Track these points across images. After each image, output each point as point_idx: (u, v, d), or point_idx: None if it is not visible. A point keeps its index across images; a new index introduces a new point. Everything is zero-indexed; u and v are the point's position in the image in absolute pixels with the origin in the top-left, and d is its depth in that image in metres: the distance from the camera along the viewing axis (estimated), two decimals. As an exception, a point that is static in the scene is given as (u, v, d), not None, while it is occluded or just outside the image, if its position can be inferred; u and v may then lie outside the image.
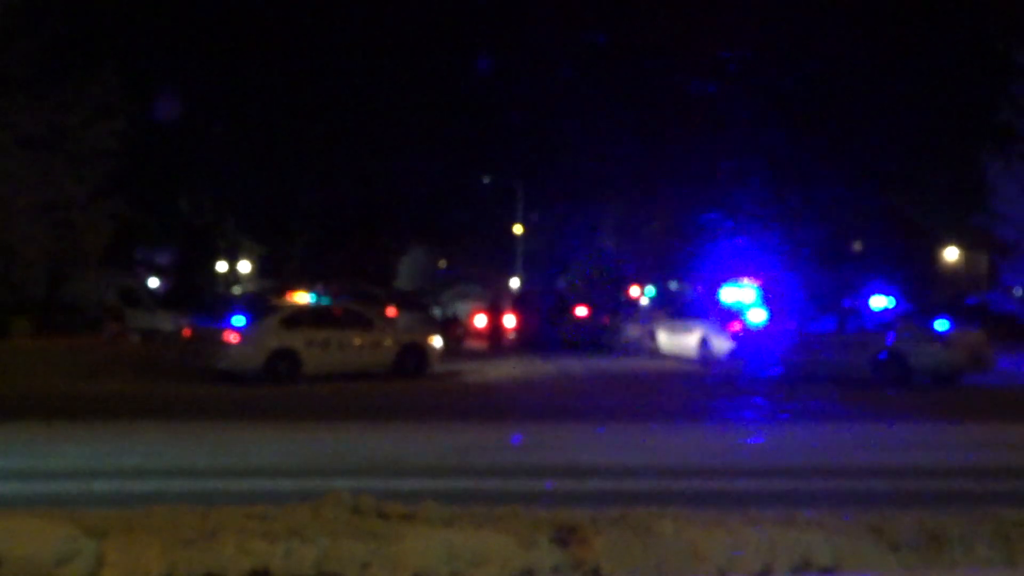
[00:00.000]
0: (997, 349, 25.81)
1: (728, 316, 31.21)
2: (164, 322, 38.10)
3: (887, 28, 48.04)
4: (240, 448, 14.31)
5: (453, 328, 38.09)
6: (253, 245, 76.45)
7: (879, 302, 27.45)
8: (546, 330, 38.01)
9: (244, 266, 71.80)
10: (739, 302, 32.60)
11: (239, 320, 24.87)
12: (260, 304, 30.27)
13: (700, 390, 24.59)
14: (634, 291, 45.22)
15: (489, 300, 43.06)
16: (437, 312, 43.13)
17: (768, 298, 32.96)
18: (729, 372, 27.83)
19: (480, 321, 40.29)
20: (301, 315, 25.51)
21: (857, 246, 50.07)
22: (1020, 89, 29.51)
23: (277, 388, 22.82)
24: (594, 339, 36.55)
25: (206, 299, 48.03)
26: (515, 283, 62.61)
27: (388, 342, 25.86)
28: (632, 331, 36.65)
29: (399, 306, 36.75)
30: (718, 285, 35.46)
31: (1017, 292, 32.32)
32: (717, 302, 33.13)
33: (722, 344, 30.24)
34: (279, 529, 6.25)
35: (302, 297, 27.95)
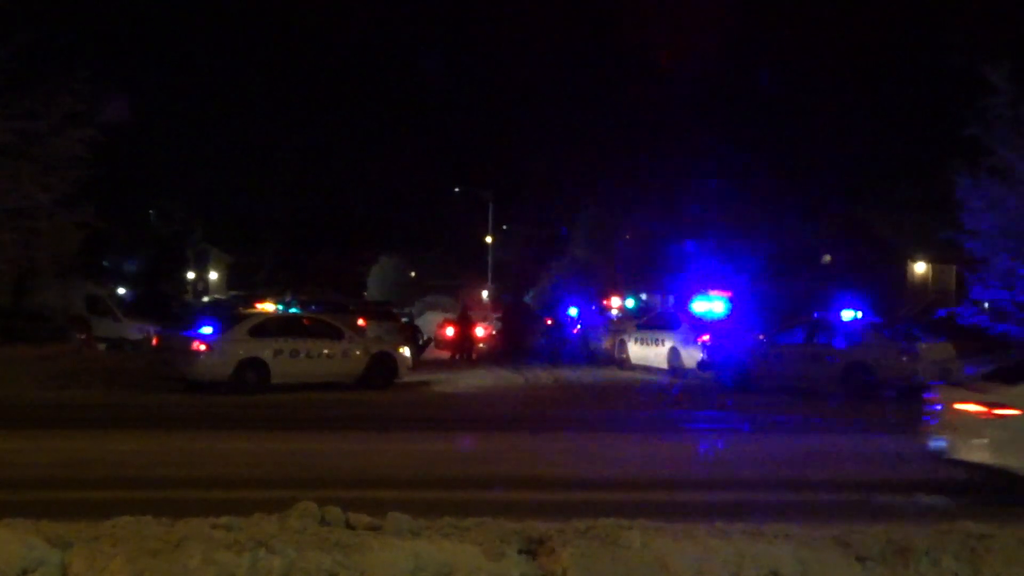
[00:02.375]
0: (965, 362, 25.93)
1: (698, 327, 31.29)
2: (131, 331, 37.90)
3: (856, 43, 48.33)
4: (207, 458, 14.25)
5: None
6: (222, 254, 76.26)
7: (847, 314, 27.59)
8: (516, 341, 37.98)
9: (213, 275, 71.59)
10: (709, 312, 32.70)
11: (207, 329, 24.79)
12: (229, 313, 30.13)
13: (669, 402, 24.63)
14: (605, 302, 45.32)
15: (459, 310, 43.04)
16: (405, 321, 42.98)
17: (737, 309, 33.06)
18: (698, 383, 27.94)
19: (449, 331, 40.26)
20: (270, 324, 25.43)
21: (826, 259, 50.27)
22: (988, 104, 29.67)
23: (245, 398, 22.72)
24: (564, 350, 36.55)
25: (174, 308, 47.79)
26: (485, 293, 62.62)
27: (357, 352, 25.83)
28: (603, 342, 36.70)
29: (369, 316, 36.62)
30: (688, 296, 35.57)
31: (985, 305, 32.46)
32: (687, 313, 33.22)
33: (692, 355, 30.30)
34: (245, 540, 6.21)
35: (271, 306, 27.88)
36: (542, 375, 29.87)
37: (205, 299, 63.87)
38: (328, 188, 73.27)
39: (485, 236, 64.92)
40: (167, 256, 59.34)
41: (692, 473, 14.15)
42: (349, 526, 6.77)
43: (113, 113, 30.94)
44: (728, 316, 32.35)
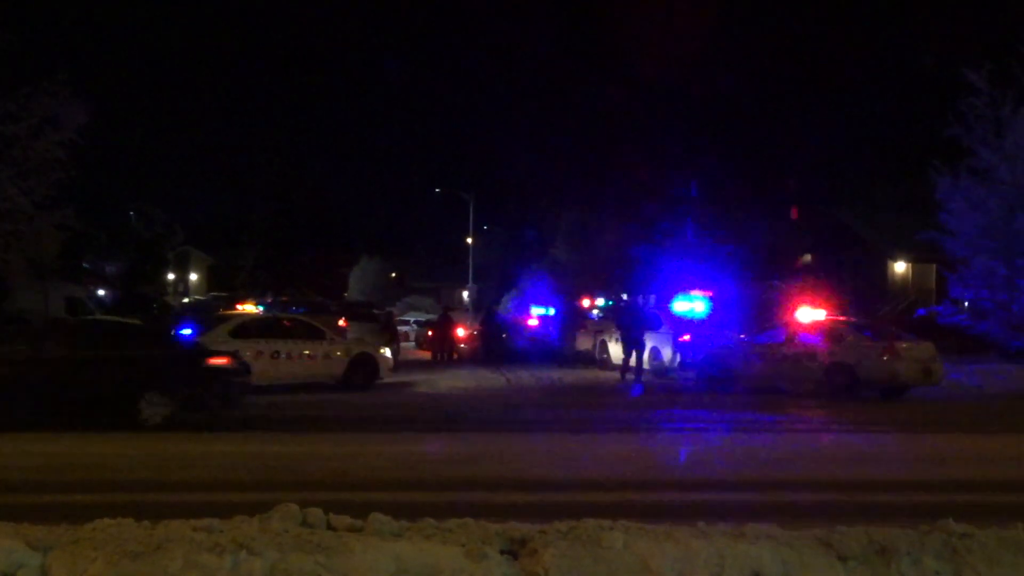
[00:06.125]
0: (946, 362, 26.01)
1: (678, 328, 31.33)
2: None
3: (837, 45, 48.47)
4: (187, 461, 14.20)
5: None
6: (203, 256, 76.18)
7: (828, 314, 27.65)
8: (497, 342, 38.02)
9: (193, 276, 71.53)
10: (690, 312, 32.76)
11: (187, 330, 24.73)
12: (209, 314, 30.08)
13: (648, 402, 24.64)
14: (585, 302, 45.31)
15: (440, 311, 43.13)
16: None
17: (718, 309, 33.12)
18: (679, 383, 28.01)
19: (431, 332, 40.33)
20: (250, 325, 25.38)
21: (806, 258, 50.43)
22: (967, 105, 29.85)
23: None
24: (545, 350, 36.58)
25: (155, 309, 47.70)
26: (466, 294, 62.67)
27: (338, 353, 25.85)
28: (584, 342, 36.73)
29: (350, 317, 36.61)
30: (668, 297, 35.63)
31: (964, 305, 32.61)
32: (668, 313, 33.25)
33: (672, 356, 30.36)
34: (227, 542, 6.18)
35: (251, 307, 27.85)
36: (523, 376, 29.87)
37: (185, 300, 63.81)
38: (309, 190, 73.26)
39: (466, 237, 64.96)
40: (147, 258, 59.27)
41: (673, 473, 14.15)
42: (331, 528, 6.74)
43: (91, 116, 30.89)
44: (708, 316, 32.41)
